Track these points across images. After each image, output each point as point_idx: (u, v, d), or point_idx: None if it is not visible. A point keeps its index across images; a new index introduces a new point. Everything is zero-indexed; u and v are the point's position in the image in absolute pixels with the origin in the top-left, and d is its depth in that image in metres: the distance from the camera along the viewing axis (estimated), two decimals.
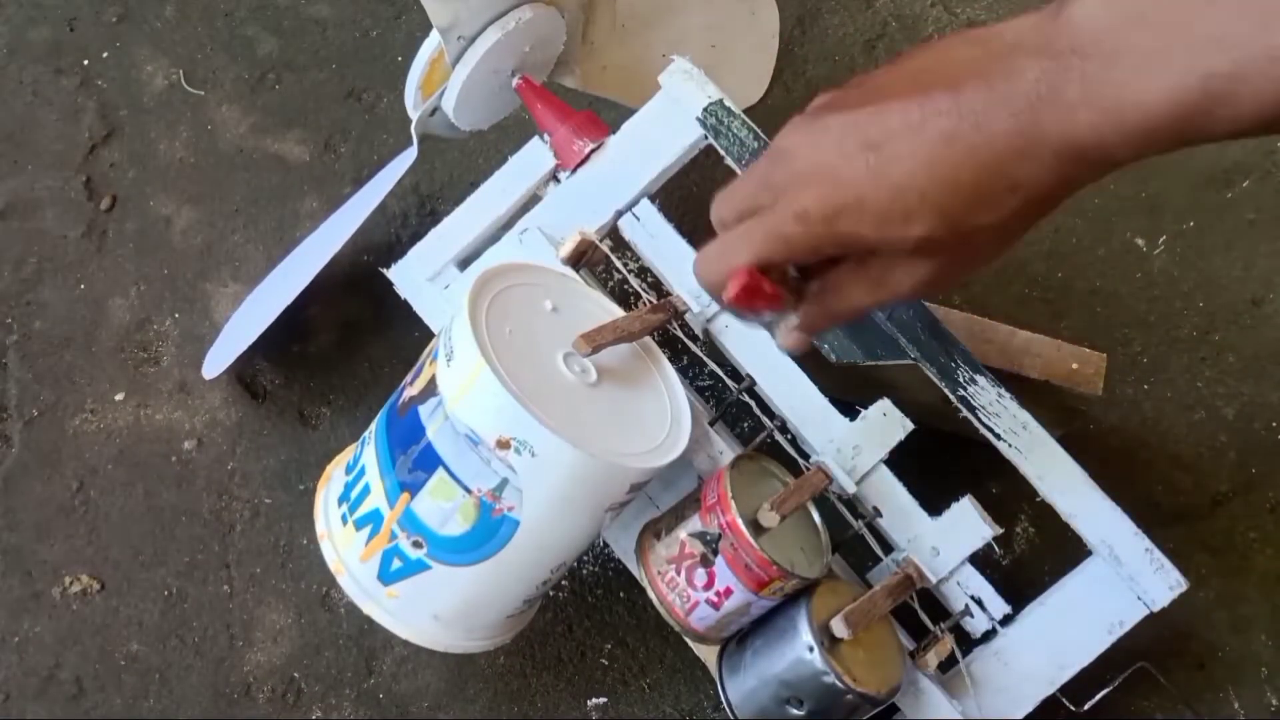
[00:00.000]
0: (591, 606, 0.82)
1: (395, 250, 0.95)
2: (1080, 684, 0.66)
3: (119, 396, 0.90)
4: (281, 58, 1.07)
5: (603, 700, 0.79)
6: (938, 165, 0.38)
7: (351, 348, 0.92)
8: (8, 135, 1.03)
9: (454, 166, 1.00)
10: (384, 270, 0.77)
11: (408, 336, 0.92)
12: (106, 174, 1.01)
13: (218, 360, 0.87)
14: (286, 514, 0.86)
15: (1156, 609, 0.64)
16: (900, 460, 0.67)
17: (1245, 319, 0.92)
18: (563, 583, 0.83)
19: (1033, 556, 0.83)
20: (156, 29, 1.09)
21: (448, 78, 0.75)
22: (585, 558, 0.83)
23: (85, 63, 1.07)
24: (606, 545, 0.83)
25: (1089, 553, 0.66)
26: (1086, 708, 0.67)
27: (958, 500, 0.66)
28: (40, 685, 0.80)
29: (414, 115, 0.79)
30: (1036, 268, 0.94)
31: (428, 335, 0.91)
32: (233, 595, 0.83)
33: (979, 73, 0.38)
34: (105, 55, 1.07)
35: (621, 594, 0.82)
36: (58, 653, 0.81)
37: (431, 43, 0.76)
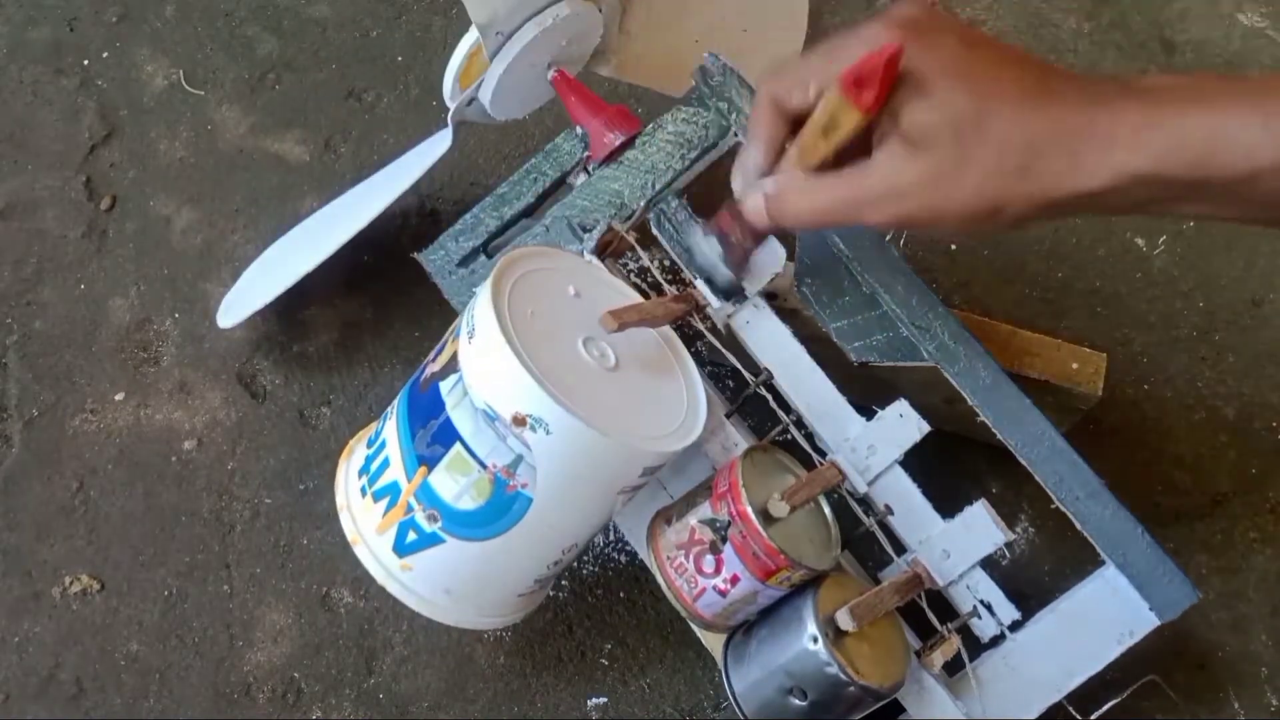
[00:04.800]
0: (591, 606, 0.82)
1: (395, 250, 0.95)
2: (1081, 686, 0.66)
3: (119, 396, 0.90)
4: (281, 58, 1.07)
5: (603, 700, 0.79)
6: None
7: (351, 348, 0.92)
8: (8, 135, 1.03)
9: (453, 167, 1.00)
10: (415, 255, 0.77)
11: (408, 336, 0.92)
12: (106, 174, 1.01)
13: (234, 311, 0.88)
14: (286, 514, 0.86)
15: (1166, 620, 0.64)
16: (902, 459, 0.67)
17: (1245, 319, 0.92)
18: (562, 582, 0.83)
19: (1033, 557, 0.83)
20: (156, 29, 1.09)
21: (485, 70, 0.76)
22: (585, 558, 0.83)
23: (85, 63, 1.07)
24: (606, 546, 0.83)
25: (1089, 554, 0.66)
26: (1094, 718, 0.67)
27: (970, 504, 0.66)
28: (40, 685, 0.80)
29: (451, 104, 0.79)
30: (1036, 268, 0.95)
31: (429, 335, 0.92)
32: (233, 595, 0.83)
33: None
34: (105, 55, 1.07)
35: (621, 594, 0.82)
36: (58, 653, 0.81)
37: (471, 36, 0.77)
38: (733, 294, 0.68)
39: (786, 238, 0.70)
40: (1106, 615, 0.65)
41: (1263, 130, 0.42)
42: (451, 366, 0.60)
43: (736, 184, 0.56)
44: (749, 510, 0.61)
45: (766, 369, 0.69)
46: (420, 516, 0.62)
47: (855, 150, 0.51)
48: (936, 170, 0.47)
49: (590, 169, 0.76)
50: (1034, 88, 0.46)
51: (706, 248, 0.65)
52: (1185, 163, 0.43)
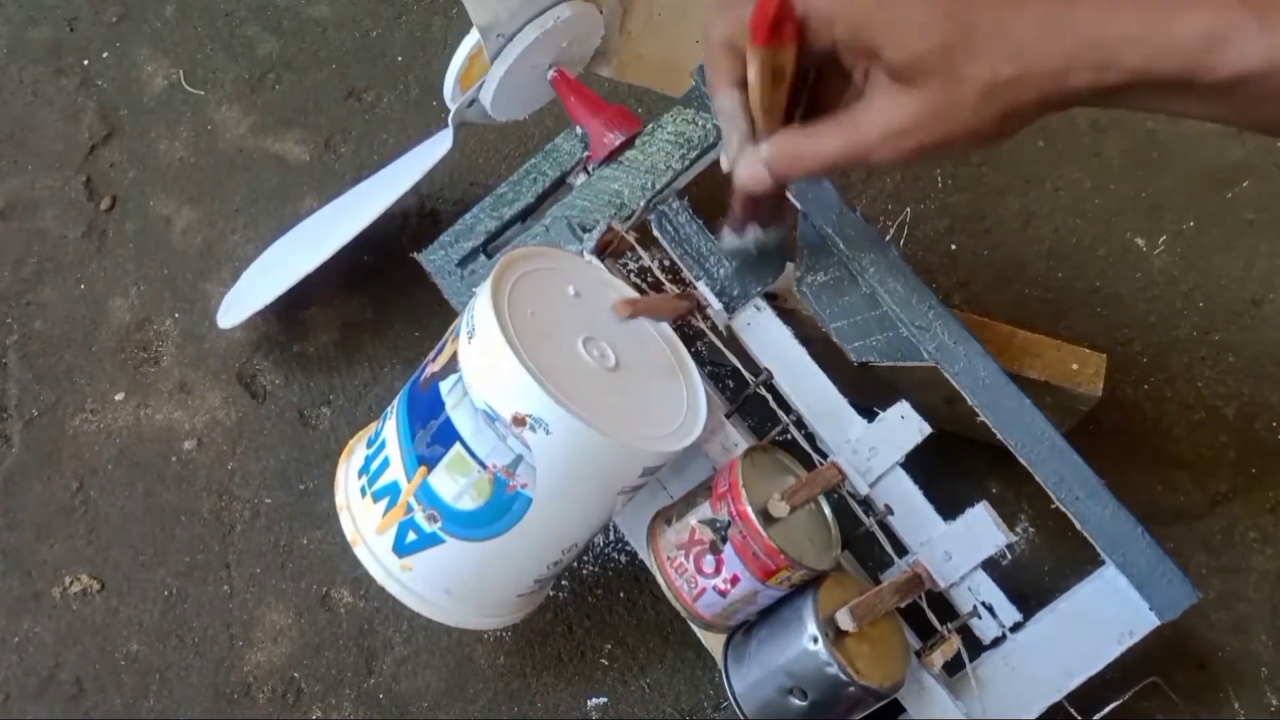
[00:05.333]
0: (591, 606, 0.82)
1: (395, 250, 0.95)
2: (1081, 686, 0.66)
3: (119, 396, 0.90)
4: (281, 58, 1.07)
5: (603, 700, 0.79)
6: None
7: (351, 348, 0.92)
8: (8, 135, 1.03)
9: (453, 167, 1.00)
10: (415, 255, 0.77)
11: (408, 336, 0.92)
12: (106, 174, 1.01)
13: (234, 311, 0.88)
14: (286, 514, 0.86)
15: (1166, 620, 0.64)
16: (903, 461, 0.67)
17: (1245, 319, 0.92)
18: (562, 582, 0.83)
19: (1033, 557, 0.83)
20: (156, 29, 1.09)
21: (486, 71, 0.76)
22: (585, 558, 0.83)
23: (85, 63, 1.07)
24: (606, 546, 0.83)
25: (1089, 554, 0.66)
26: (1097, 719, 0.67)
27: (970, 505, 0.66)
28: (40, 685, 0.80)
29: (452, 106, 0.80)
30: (1036, 268, 0.95)
31: (429, 334, 0.92)
32: (233, 595, 0.83)
33: None
34: (105, 55, 1.07)
35: (621, 594, 0.82)
36: (58, 653, 0.81)
37: (472, 38, 0.77)
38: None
39: (786, 238, 0.70)
40: (1106, 615, 0.65)
41: (1258, 32, 0.41)
42: (451, 366, 0.60)
43: (731, 144, 0.54)
44: (749, 510, 0.61)
45: (766, 369, 0.69)
46: (420, 517, 0.62)
47: (831, 79, 0.50)
48: (935, 100, 0.46)
49: (590, 169, 0.76)
50: None
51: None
52: (1176, 62, 0.42)
